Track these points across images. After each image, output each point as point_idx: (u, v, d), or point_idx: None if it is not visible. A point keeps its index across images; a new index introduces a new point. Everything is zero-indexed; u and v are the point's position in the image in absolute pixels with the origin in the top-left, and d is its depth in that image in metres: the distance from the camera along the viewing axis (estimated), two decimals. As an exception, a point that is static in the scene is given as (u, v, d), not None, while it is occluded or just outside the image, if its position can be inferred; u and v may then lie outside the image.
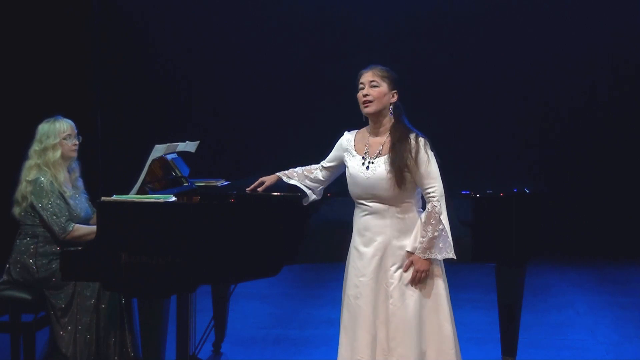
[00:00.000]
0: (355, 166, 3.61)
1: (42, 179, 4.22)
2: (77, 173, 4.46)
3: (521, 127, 8.19)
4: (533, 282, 6.28)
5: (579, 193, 8.14)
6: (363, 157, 3.61)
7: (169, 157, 4.45)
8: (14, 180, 4.33)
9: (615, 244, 8.10)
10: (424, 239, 3.52)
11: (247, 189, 3.96)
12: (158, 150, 4.15)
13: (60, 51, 7.97)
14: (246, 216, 3.89)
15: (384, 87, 3.59)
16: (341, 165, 3.74)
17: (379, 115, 3.61)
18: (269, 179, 3.93)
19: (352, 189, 3.64)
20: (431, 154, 3.55)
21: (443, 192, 3.54)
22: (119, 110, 8.39)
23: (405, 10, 8.15)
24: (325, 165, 3.80)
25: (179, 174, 4.47)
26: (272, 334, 5.53)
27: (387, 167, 3.52)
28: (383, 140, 3.61)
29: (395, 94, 3.62)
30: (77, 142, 4.37)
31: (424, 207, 3.63)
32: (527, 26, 8.11)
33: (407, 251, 3.56)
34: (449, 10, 8.17)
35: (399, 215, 3.57)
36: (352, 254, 3.64)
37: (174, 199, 3.92)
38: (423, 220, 3.55)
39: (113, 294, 4.24)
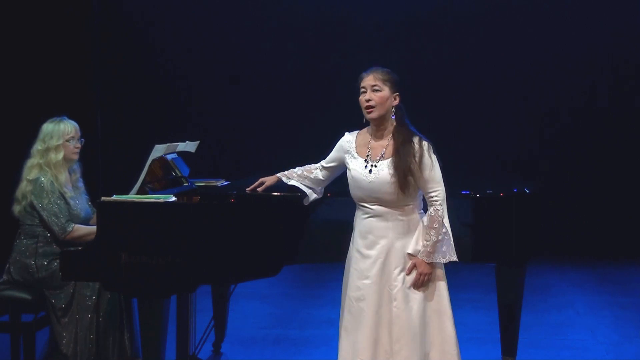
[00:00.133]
0: (357, 169, 3.59)
1: (43, 179, 4.22)
2: (78, 174, 4.46)
3: (521, 127, 8.18)
4: (533, 282, 6.27)
5: (579, 193, 8.14)
6: (365, 160, 3.59)
7: (169, 157, 4.45)
8: (14, 180, 4.34)
9: (615, 244, 8.10)
10: (428, 243, 3.52)
11: (247, 189, 3.96)
12: (158, 150, 4.15)
13: (60, 51, 7.97)
14: (246, 216, 3.89)
15: (385, 91, 3.57)
16: (341, 166, 3.73)
17: (382, 119, 3.59)
18: (269, 180, 3.93)
19: (354, 191, 3.63)
20: (434, 158, 3.55)
21: (445, 196, 3.55)
22: (119, 110, 8.39)
23: (405, 10, 8.14)
24: (325, 166, 3.80)
25: (179, 174, 4.47)
26: (272, 334, 5.53)
27: (391, 171, 3.51)
28: (385, 143, 3.60)
29: (397, 97, 3.60)
30: (79, 145, 4.38)
31: (424, 208, 3.63)
32: (527, 26, 8.11)
33: (409, 253, 3.56)
34: (449, 10, 8.17)
35: (402, 218, 3.57)
36: (354, 256, 3.63)
37: (174, 199, 3.92)
38: (426, 224, 3.55)
39: (113, 293, 4.24)
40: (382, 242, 3.56)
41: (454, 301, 3.65)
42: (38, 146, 4.31)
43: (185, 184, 4.44)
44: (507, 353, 4.35)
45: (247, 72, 8.37)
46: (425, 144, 3.55)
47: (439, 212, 3.52)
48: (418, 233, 3.57)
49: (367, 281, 3.55)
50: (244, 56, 8.37)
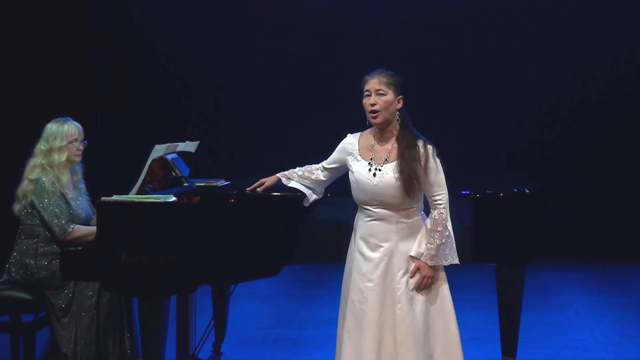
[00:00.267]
0: (361, 172, 3.57)
1: (44, 179, 4.22)
2: (79, 175, 4.47)
3: (521, 127, 8.18)
4: (533, 282, 6.27)
5: (579, 193, 8.14)
6: (369, 163, 3.57)
7: (169, 157, 4.45)
8: (14, 180, 4.34)
9: (615, 244, 8.10)
10: (431, 246, 3.52)
11: (247, 189, 3.96)
12: (158, 150, 4.15)
13: (60, 51, 7.97)
14: (246, 216, 3.89)
15: (390, 95, 3.54)
16: (343, 168, 3.71)
17: (386, 123, 3.57)
18: (269, 180, 3.92)
19: (357, 194, 3.61)
20: (439, 161, 3.54)
21: (448, 199, 3.55)
22: (119, 110, 8.39)
23: (405, 10, 8.14)
24: (326, 167, 3.78)
25: (179, 174, 4.47)
26: (272, 334, 5.53)
27: (396, 175, 3.50)
28: (389, 146, 3.58)
29: (401, 100, 3.57)
30: (82, 147, 4.38)
31: (425, 209, 3.63)
32: (527, 26, 8.11)
33: (411, 256, 3.56)
34: (449, 10, 8.17)
35: (404, 220, 3.56)
36: (356, 257, 3.61)
37: (174, 199, 3.92)
38: (429, 227, 3.54)
39: (113, 293, 4.24)
40: (385, 245, 3.55)
41: (454, 301, 3.65)
42: (41, 146, 4.31)
43: (185, 184, 4.44)
44: (507, 353, 4.35)
45: (247, 72, 8.37)
46: (430, 147, 3.55)
47: (443, 216, 3.52)
48: (420, 236, 3.57)
49: (370, 284, 3.54)
50: (244, 56, 8.37)
